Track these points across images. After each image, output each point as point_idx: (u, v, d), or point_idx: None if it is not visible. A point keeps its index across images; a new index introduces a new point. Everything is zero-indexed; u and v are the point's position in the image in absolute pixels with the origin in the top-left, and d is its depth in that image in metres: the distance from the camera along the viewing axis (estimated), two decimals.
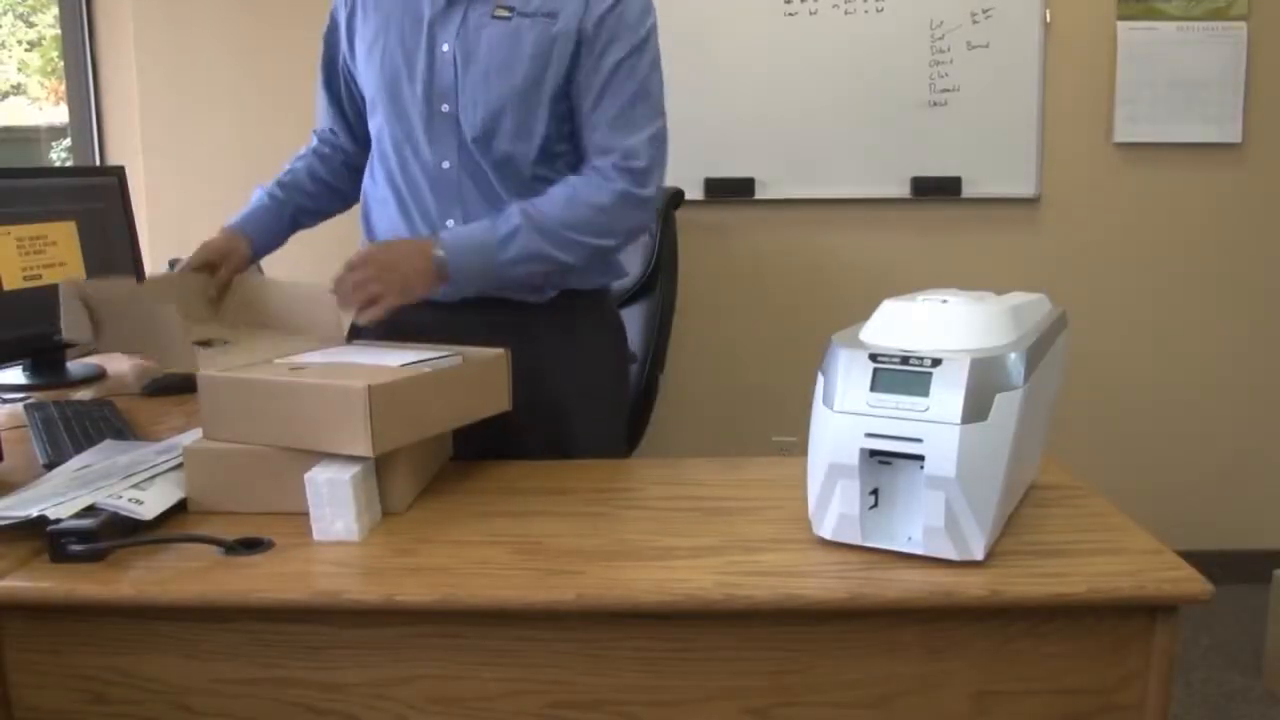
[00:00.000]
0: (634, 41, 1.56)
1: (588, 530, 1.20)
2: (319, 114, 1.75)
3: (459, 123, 1.53)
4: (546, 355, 1.57)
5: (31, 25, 3.29)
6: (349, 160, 1.75)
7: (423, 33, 1.53)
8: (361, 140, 1.70)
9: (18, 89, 3.30)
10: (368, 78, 1.59)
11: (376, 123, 1.60)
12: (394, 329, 1.59)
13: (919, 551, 1.07)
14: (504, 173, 1.55)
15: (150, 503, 1.19)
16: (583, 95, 1.54)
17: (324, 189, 1.74)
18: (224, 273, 1.60)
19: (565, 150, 1.59)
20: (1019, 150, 2.88)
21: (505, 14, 1.52)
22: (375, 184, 1.64)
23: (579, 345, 1.63)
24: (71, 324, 1.40)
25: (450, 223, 1.57)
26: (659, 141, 1.59)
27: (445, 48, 1.53)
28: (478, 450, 1.48)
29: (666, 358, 2.58)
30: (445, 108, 1.53)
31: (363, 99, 1.65)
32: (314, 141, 1.77)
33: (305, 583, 1.06)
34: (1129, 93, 2.87)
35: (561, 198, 1.51)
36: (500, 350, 1.44)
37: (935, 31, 2.84)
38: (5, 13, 3.26)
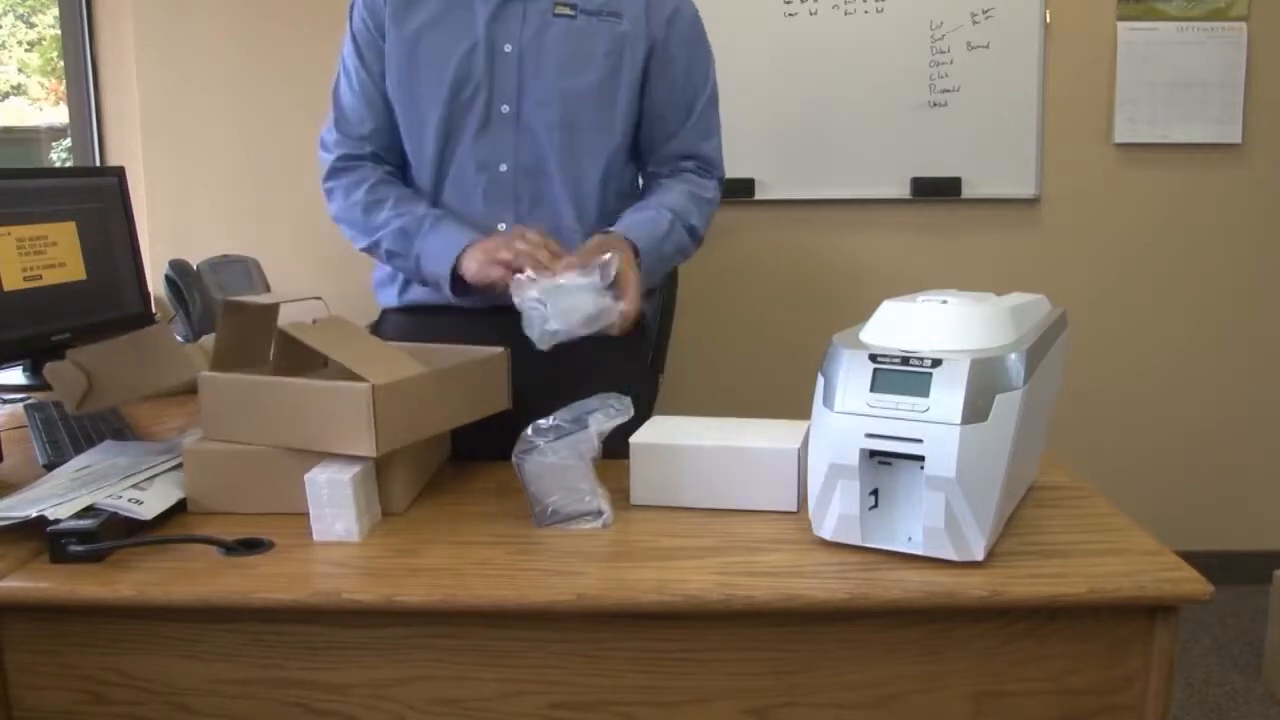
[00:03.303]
0: (701, 45, 1.60)
1: (588, 530, 1.20)
2: (351, 118, 1.58)
3: (520, 123, 1.51)
4: (565, 363, 1.57)
5: (31, 25, 3.30)
6: (400, 170, 1.62)
7: (479, 32, 1.50)
8: (398, 138, 1.60)
9: (18, 89, 3.30)
10: (412, 82, 1.53)
11: (419, 130, 1.53)
12: (410, 334, 1.58)
13: (919, 552, 1.07)
14: (579, 177, 1.53)
15: (150, 503, 1.19)
16: (663, 97, 1.57)
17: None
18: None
19: (632, 161, 1.60)
20: (1019, 150, 2.88)
21: (569, 12, 1.50)
22: (429, 190, 1.57)
23: (597, 353, 1.61)
24: (66, 394, 1.36)
25: (502, 226, 1.53)
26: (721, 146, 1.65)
27: (508, 48, 1.50)
28: (478, 451, 1.48)
29: (667, 358, 2.59)
30: (505, 108, 1.51)
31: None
32: (366, 166, 1.58)
33: (305, 583, 1.06)
34: (1129, 93, 2.87)
35: (685, 193, 1.55)
36: (500, 349, 1.44)
37: (935, 32, 2.84)
38: (5, 13, 3.26)
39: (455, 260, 1.45)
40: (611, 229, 1.46)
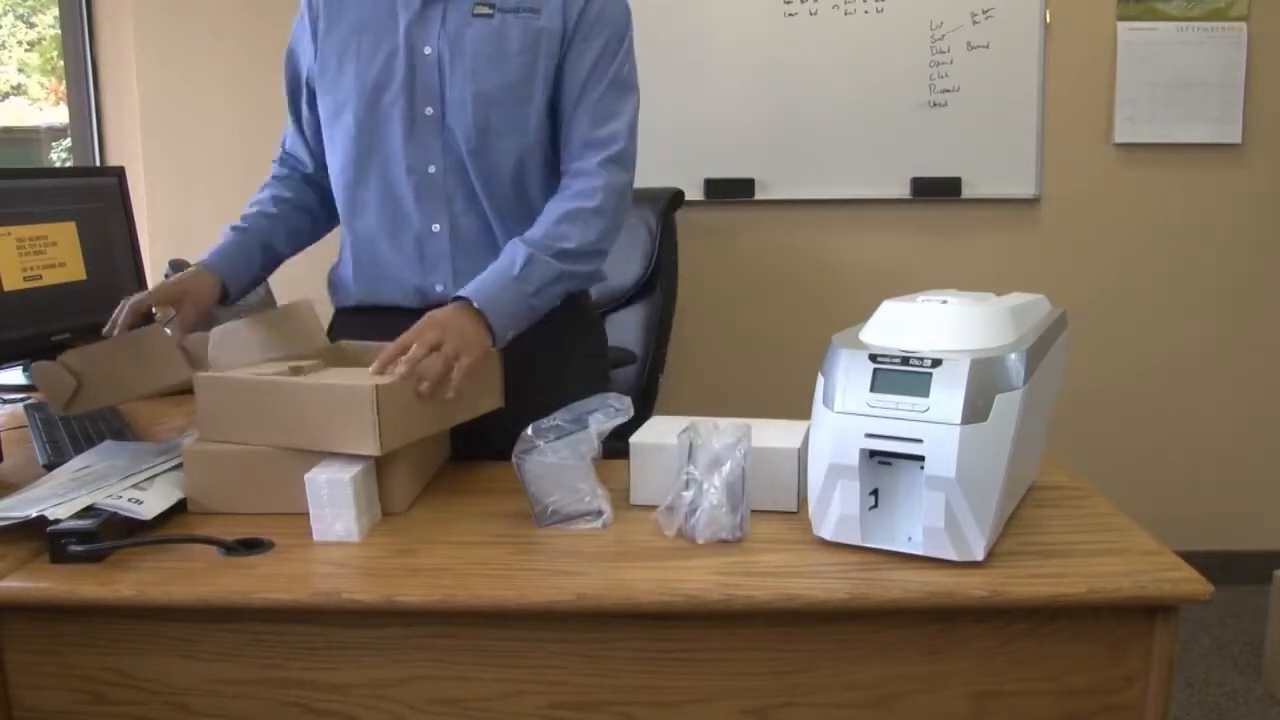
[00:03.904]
0: (614, 32, 1.55)
1: (588, 530, 1.20)
2: (285, 135, 1.69)
3: (444, 126, 1.51)
4: (528, 360, 1.57)
5: (31, 25, 3.30)
6: (309, 177, 1.68)
7: (399, 36, 1.51)
8: (318, 156, 1.65)
9: (18, 89, 3.30)
10: (338, 87, 1.54)
11: (345, 134, 1.55)
12: (361, 334, 1.57)
13: (919, 552, 1.07)
14: (490, 177, 1.53)
15: (150, 503, 1.19)
16: (566, 92, 1.54)
17: (290, 209, 1.66)
18: (184, 312, 1.45)
19: (550, 156, 1.58)
20: (1019, 150, 2.88)
21: (487, 11, 1.51)
22: (352, 195, 1.58)
23: (560, 351, 1.61)
24: (52, 395, 1.35)
25: (436, 228, 1.54)
26: (634, 126, 1.58)
27: (428, 50, 1.50)
28: (478, 451, 1.48)
29: (667, 358, 2.59)
30: (429, 111, 1.51)
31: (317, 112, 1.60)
32: (274, 170, 1.71)
33: (305, 583, 1.06)
34: (1129, 93, 2.87)
35: (555, 215, 1.50)
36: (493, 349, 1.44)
37: (935, 32, 2.84)
38: (5, 13, 3.26)
39: None
40: (461, 291, 1.43)
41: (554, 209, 1.51)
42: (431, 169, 1.53)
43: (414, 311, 1.56)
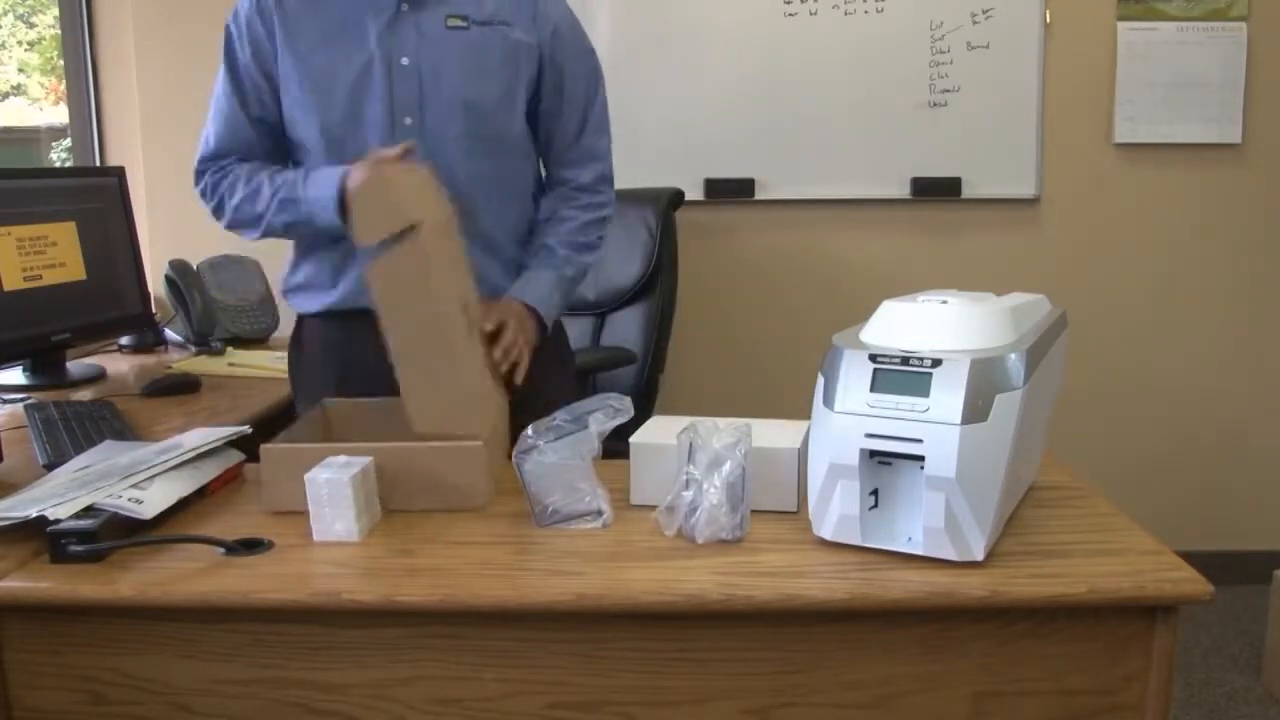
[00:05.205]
0: (589, 53, 1.65)
1: (588, 530, 1.20)
2: (221, 134, 1.58)
3: (425, 134, 1.51)
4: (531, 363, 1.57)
5: (31, 25, 3.29)
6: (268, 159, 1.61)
7: (371, 46, 1.50)
8: (278, 159, 1.60)
9: (18, 89, 3.30)
10: (308, 97, 1.52)
11: (317, 144, 1.53)
12: (334, 342, 1.58)
13: (919, 552, 1.07)
14: (476, 184, 1.55)
15: (150, 503, 1.19)
16: (561, 110, 1.63)
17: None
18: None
19: (531, 162, 1.66)
20: (1019, 150, 2.88)
21: (461, 23, 1.53)
22: None
23: (556, 351, 1.67)
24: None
25: None
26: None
27: (405, 60, 1.51)
28: None
29: (666, 358, 2.59)
30: (409, 121, 1.52)
31: (275, 112, 1.56)
32: (233, 168, 1.57)
33: (305, 583, 1.06)
34: (1129, 93, 2.87)
35: (582, 222, 1.64)
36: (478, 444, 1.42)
37: (935, 32, 2.83)
38: (5, 13, 3.26)
39: (340, 181, 1.44)
40: (511, 292, 1.58)
41: (576, 216, 1.64)
42: None
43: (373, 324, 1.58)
